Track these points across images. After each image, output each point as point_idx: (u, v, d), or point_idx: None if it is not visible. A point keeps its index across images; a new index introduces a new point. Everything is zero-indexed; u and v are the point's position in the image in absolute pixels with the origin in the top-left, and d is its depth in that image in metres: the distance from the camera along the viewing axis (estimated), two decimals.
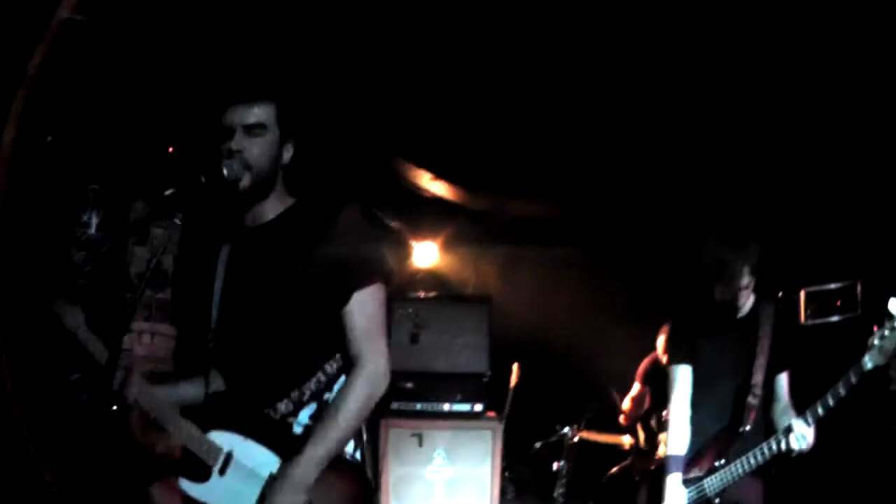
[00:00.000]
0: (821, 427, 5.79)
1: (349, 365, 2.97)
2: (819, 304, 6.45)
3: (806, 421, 3.89)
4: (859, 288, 6.34)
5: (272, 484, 2.86)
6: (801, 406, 4.01)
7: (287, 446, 2.91)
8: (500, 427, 6.54)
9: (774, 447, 3.95)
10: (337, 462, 2.90)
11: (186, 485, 2.97)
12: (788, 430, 3.92)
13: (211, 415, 3.04)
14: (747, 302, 4.27)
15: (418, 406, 6.56)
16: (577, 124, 6.24)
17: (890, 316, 3.74)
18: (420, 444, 6.46)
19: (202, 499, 2.95)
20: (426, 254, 8.24)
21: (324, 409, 2.95)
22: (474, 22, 5.20)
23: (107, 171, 4.60)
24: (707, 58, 5.31)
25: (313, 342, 2.99)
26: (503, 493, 6.73)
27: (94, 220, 3.45)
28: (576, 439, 6.37)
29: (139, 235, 4.16)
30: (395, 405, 6.54)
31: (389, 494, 6.47)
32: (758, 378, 4.12)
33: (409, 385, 6.57)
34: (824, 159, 5.91)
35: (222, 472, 2.94)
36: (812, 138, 5.80)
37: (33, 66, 3.63)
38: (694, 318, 4.37)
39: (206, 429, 2.99)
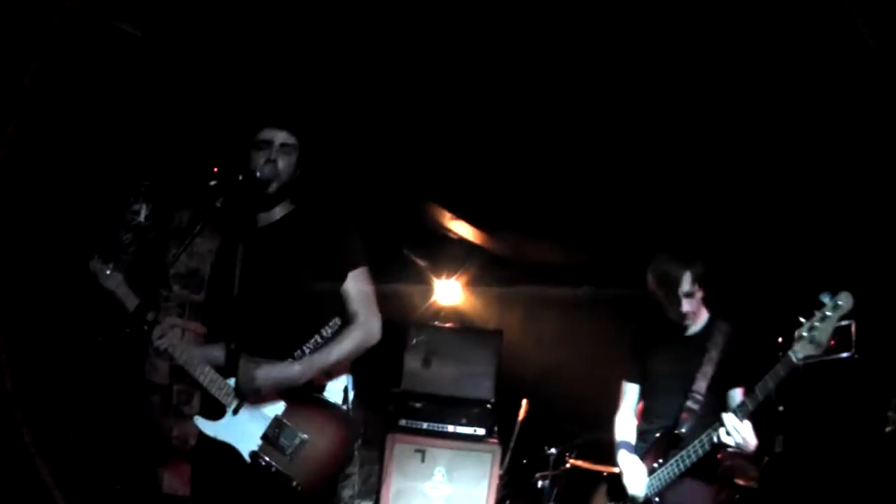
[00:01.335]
0: (816, 468, 5.96)
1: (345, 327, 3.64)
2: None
3: (737, 415, 3.90)
4: (854, 328, 6.46)
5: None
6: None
7: (291, 393, 3.54)
8: (498, 451, 6.97)
9: (707, 443, 4.00)
10: (329, 408, 3.55)
11: (202, 423, 3.56)
12: (720, 423, 3.93)
13: (230, 366, 3.61)
14: (700, 319, 4.36)
15: (424, 425, 7.06)
16: (593, 171, 6.57)
17: (821, 305, 3.77)
18: (422, 461, 6.92)
19: (215, 435, 3.54)
20: (449, 292, 8.56)
21: None
22: (498, 67, 5.58)
23: (157, 174, 5.19)
24: (708, 93, 5.52)
25: (312, 312, 3.66)
26: None
27: (144, 211, 3.99)
28: (567, 465, 6.65)
29: (181, 242, 4.64)
30: (402, 422, 7.06)
31: None
32: (700, 385, 4.18)
33: (418, 405, 7.10)
34: (823, 203, 6.10)
35: (236, 412, 3.52)
36: (815, 179, 5.95)
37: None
38: (648, 337, 4.50)
39: (226, 376, 3.58)
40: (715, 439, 3.95)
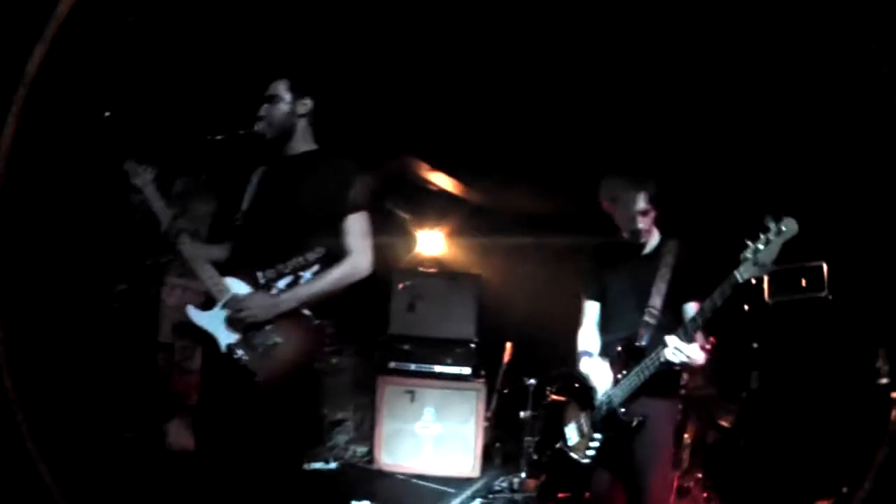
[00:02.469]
0: (808, 419, 6.28)
1: (331, 259, 4.02)
2: (783, 282, 6.63)
3: (680, 336, 4.15)
4: (826, 268, 6.50)
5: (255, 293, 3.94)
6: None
7: None
8: (483, 390, 7.37)
9: (656, 360, 4.25)
10: (303, 319, 3.96)
11: (193, 312, 3.96)
12: (664, 344, 4.16)
13: (226, 267, 4.06)
14: (652, 239, 4.60)
15: (412, 366, 7.49)
16: (575, 120, 6.77)
17: (766, 229, 3.95)
18: (412, 401, 7.31)
19: (201, 324, 3.94)
20: (432, 242, 8.87)
21: (299, 282, 4.00)
22: (478, 21, 5.79)
23: (159, 149, 5.50)
24: (701, 48, 5.78)
25: (303, 236, 4.03)
26: (490, 459, 7.49)
27: (150, 173, 4.31)
28: (549, 399, 6.84)
29: (179, 208, 4.95)
30: (392, 364, 7.47)
31: (382, 448, 7.29)
32: (655, 301, 4.41)
33: (406, 347, 7.50)
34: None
35: (224, 307, 3.93)
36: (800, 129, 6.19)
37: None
38: (604, 257, 4.72)
39: (222, 274, 4.00)
40: (662, 358, 4.22)
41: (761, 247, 3.98)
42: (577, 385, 4.71)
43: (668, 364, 4.22)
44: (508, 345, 7.66)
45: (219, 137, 4.07)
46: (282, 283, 3.99)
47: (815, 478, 6.35)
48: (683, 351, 4.16)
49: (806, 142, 6.28)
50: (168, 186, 5.03)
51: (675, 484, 6.47)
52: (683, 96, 6.32)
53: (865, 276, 6.41)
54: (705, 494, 6.55)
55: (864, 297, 6.46)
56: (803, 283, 6.62)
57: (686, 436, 6.78)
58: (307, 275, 4.01)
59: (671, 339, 4.18)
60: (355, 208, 4.08)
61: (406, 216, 8.82)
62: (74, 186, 5.31)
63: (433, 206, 8.76)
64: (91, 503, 4.97)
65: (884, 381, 6.15)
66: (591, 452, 4.52)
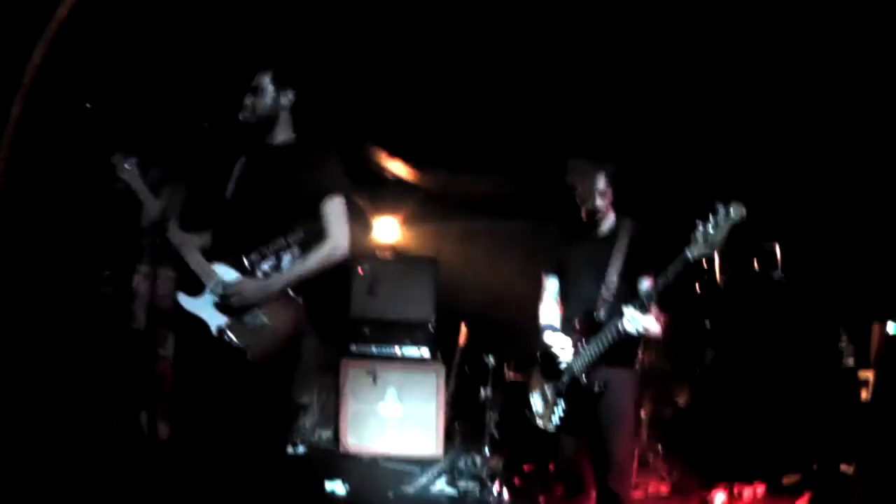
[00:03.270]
0: (776, 402, 6.48)
1: (310, 242, 4.18)
2: (735, 264, 6.89)
3: (636, 306, 4.41)
4: (778, 250, 6.77)
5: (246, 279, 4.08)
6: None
7: None
8: (443, 370, 7.56)
9: (615, 330, 4.49)
10: (288, 299, 4.12)
11: (183, 298, 4.10)
12: (621, 314, 4.41)
13: (212, 253, 4.21)
14: (608, 220, 4.84)
15: (374, 349, 7.67)
16: (527, 106, 6.98)
17: (715, 212, 4.21)
18: (374, 382, 7.47)
19: (192, 310, 4.08)
20: (387, 228, 9.04)
21: (281, 265, 4.16)
22: (429, 7, 5.95)
23: (144, 138, 5.60)
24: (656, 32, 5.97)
25: (284, 219, 4.19)
26: (450, 438, 7.64)
27: (133, 164, 4.44)
28: (507, 378, 7.15)
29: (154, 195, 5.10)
30: (354, 348, 7.66)
31: (347, 431, 7.43)
32: (612, 276, 4.66)
33: (366, 330, 7.70)
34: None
35: (213, 291, 4.08)
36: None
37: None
38: (563, 236, 4.97)
39: (210, 260, 4.15)
40: (620, 328, 4.46)
41: (711, 229, 4.24)
42: (538, 355, 4.88)
43: (626, 333, 4.45)
44: (463, 327, 7.80)
45: (205, 125, 4.28)
46: (266, 266, 4.14)
47: (780, 454, 6.64)
48: (639, 321, 4.41)
49: (761, 125, 6.50)
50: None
51: (636, 455, 6.69)
52: (637, 83, 6.52)
53: (826, 259, 6.64)
54: (666, 466, 6.79)
55: (824, 279, 6.70)
56: (755, 264, 6.86)
57: (642, 411, 7.01)
58: (288, 257, 4.15)
59: (627, 310, 4.41)
60: (332, 192, 4.22)
61: (363, 204, 8.91)
62: (61, 177, 5.37)
63: (388, 193, 8.88)
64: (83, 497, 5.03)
65: (850, 361, 6.46)
66: (555, 420, 4.71)
